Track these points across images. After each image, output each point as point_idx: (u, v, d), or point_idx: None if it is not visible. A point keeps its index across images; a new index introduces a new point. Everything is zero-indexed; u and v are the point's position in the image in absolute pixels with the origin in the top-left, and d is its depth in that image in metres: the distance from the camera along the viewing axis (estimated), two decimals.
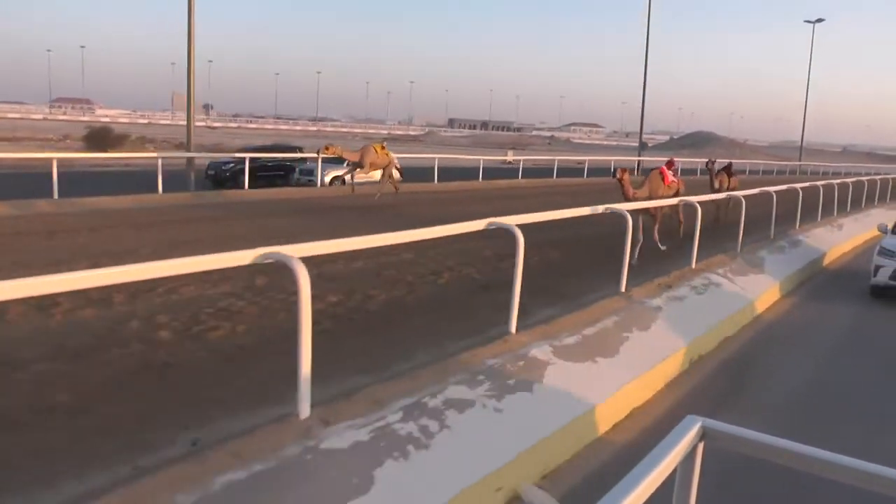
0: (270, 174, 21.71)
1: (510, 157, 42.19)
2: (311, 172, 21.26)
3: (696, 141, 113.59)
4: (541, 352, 5.09)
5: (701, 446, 1.77)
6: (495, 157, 38.56)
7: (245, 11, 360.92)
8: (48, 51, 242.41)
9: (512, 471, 3.93)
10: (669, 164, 12.31)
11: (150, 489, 2.89)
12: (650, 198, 10.95)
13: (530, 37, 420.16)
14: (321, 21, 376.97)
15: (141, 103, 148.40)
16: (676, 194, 11.40)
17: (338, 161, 19.87)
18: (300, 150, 24.40)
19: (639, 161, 36.71)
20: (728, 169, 16.19)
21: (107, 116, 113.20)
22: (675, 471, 1.69)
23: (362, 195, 17.21)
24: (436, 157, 24.65)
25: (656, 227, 11.21)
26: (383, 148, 17.80)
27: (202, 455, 3.19)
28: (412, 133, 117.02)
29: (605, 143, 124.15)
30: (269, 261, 3.64)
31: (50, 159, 14.73)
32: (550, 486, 4.08)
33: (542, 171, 30.98)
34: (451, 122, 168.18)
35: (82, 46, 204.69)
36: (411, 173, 22.70)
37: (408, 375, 4.39)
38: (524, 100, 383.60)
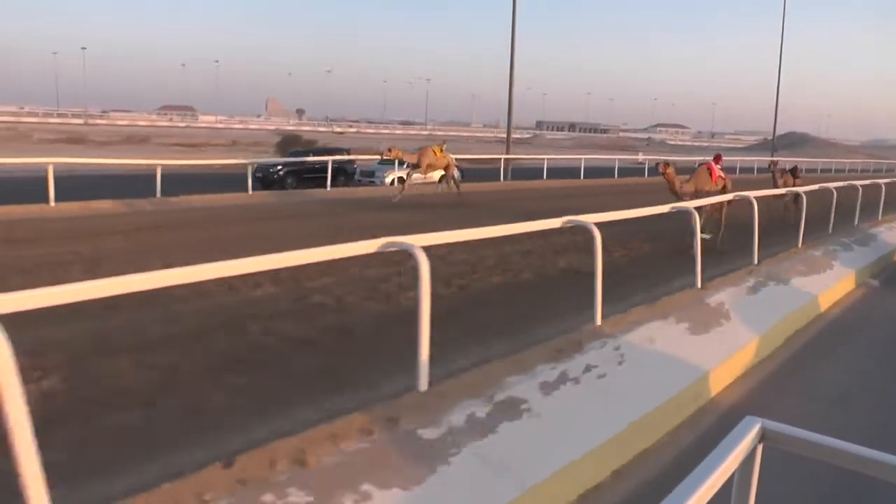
0: (318, 176, 21.43)
1: (640, 157, 43.13)
2: (372, 174, 22.22)
3: (792, 141, 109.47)
4: (648, 328, 5.42)
5: (760, 448, 1.73)
6: (626, 157, 39.56)
7: (323, 19, 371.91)
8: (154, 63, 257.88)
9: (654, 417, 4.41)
10: (717, 159, 12.30)
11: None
12: (697, 192, 10.97)
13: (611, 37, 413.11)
14: (386, 22, 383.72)
15: (234, 109, 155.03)
16: (723, 190, 11.31)
17: (392, 163, 20.84)
18: (348, 152, 25.11)
19: (775, 161, 36.55)
20: (794, 171, 16.45)
21: (209, 122, 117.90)
22: (733, 475, 1.66)
23: (427, 194, 18.07)
24: (581, 158, 28.58)
25: (700, 221, 11.23)
26: (442, 150, 18.05)
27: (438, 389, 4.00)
28: (520, 136, 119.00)
29: (695, 143, 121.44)
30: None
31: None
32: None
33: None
34: (540, 125, 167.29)
35: (183, 64, 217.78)
36: (558, 173, 26.44)
37: (553, 339, 4.97)
38: (603, 101, 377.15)
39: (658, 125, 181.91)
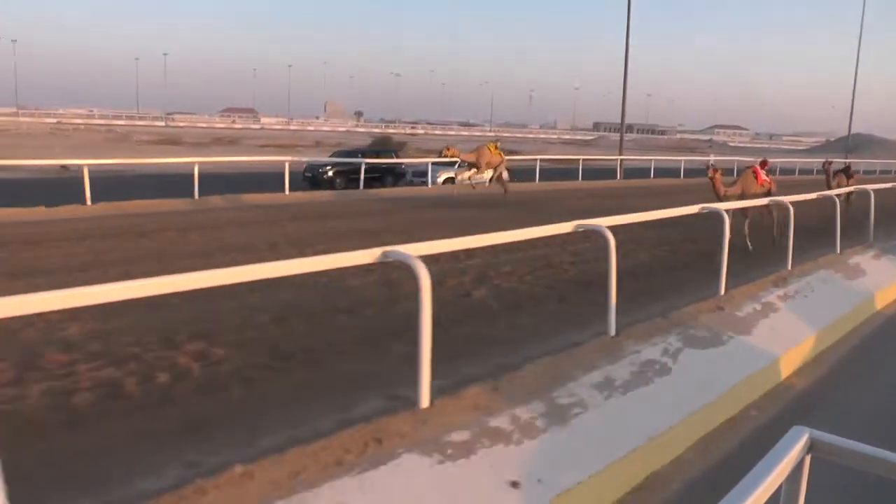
0: (366, 176, 21.95)
1: (713, 158, 44.06)
2: (424, 174, 22.38)
3: (858, 143, 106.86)
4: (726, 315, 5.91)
5: (808, 459, 1.70)
6: (692, 158, 40.47)
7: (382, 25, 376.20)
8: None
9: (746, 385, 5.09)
10: (763, 163, 12.31)
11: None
12: (742, 195, 11.04)
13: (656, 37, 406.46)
14: (441, 22, 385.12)
15: (294, 111, 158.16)
16: (768, 194, 11.28)
17: (445, 163, 21.52)
18: (396, 153, 26.05)
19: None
20: (847, 170, 16.46)
21: (269, 124, 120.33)
22: (780, 487, 1.64)
23: (483, 193, 18.68)
24: (651, 159, 30.55)
25: (747, 223, 11.19)
26: (496, 148, 18.45)
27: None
28: (584, 137, 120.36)
29: (754, 145, 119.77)
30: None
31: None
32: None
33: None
34: (597, 126, 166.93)
35: (254, 69, 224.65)
36: (632, 173, 28.43)
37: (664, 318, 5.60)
38: (659, 101, 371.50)
39: (715, 126, 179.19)
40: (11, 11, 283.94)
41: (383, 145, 36.82)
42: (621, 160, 28.96)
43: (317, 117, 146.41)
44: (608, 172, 28.68)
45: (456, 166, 21.19)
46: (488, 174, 19.21)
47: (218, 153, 32.42)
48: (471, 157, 17.94)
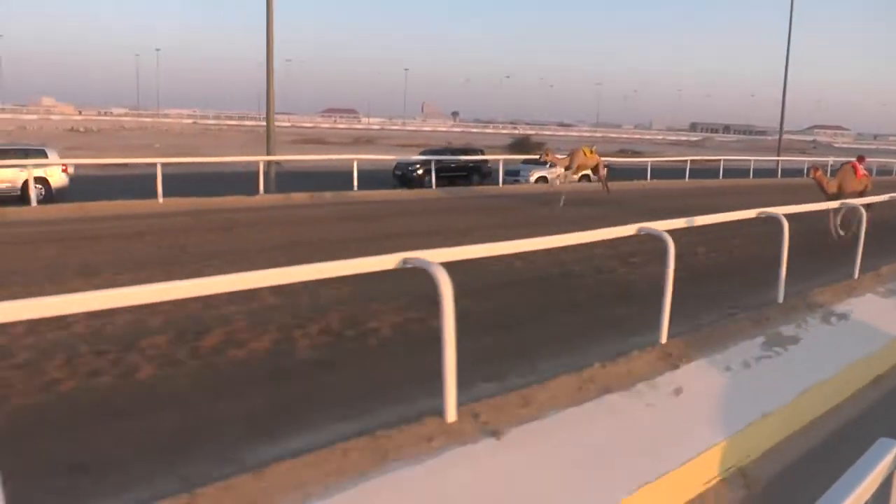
0: (453, 175, 22.33)
1: (831, 161, 45.09)
2: (517, 173, 23.28)
3: None
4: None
5: None
6: (802, 159, 40.93)
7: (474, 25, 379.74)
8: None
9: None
10: (860, 159, 12.67)
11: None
12: (841, 189, 11.66)
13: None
14: (551, 26, 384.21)
15: (392, 112, 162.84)
16: (863, 190, 11.68)
17: (536, 163, 22.95)
18: (482, 152, 27.11)
19: None
20: None
21: (370, 124, 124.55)
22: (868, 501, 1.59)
23: (582, 189, 20.08)
24: (769, 160, 34.64)
25: (840, 216, 11.68)
26: (592, 151, 19.05)
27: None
28: (692, 139, 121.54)
29: (857, 145, 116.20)
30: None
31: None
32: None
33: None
34: (694, 126, 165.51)
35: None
36: (760, 173, 30.25)
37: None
38: (761, 101, 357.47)
39: (815, 126, 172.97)
40: (142, 24, 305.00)
41: (523, 146, 39.33)
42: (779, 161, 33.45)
43: (414, 118, 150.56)
44: (713, 172, 30.00)
45: (547, 166, 22.21)
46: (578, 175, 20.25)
47: (363, 151, 36.26)
48: (565, 162, 18.68)
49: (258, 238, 11.21)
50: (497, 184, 21.81)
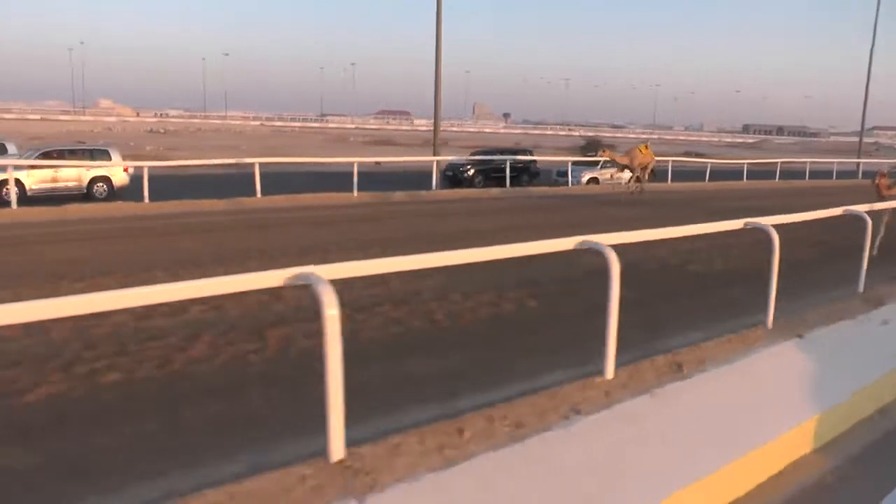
0: (502, 175, 22.06)
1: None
2: (565, 174, 23.30)
3: None
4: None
5: None
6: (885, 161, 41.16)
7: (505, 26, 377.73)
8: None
9: None
10: None
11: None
12: None
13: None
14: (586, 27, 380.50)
15: (444, 113, 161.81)
16: None
17: (587, 164, 23.57)
18: (530, 153, 27.29)
19: None
20: None
21: (422, 125, 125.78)
22: None
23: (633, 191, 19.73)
24: (834, 161, 34.21)
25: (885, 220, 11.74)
26: (647, 148, 19.29)
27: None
28: (749, 141, 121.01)
29: None
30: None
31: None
32: None
33: None
34: (747, 128, 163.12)
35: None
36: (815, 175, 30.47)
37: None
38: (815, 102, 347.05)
39: (874, 128, 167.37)
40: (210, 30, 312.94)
41: (594, 148, 39.49)
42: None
43: (466, 119, 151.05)
44: (770, 174, 29.83)
45: (598, 166, 22.51)
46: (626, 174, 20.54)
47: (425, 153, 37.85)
48: (624, 160, 19.23)
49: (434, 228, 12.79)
50: (553, 184, 22.56)
